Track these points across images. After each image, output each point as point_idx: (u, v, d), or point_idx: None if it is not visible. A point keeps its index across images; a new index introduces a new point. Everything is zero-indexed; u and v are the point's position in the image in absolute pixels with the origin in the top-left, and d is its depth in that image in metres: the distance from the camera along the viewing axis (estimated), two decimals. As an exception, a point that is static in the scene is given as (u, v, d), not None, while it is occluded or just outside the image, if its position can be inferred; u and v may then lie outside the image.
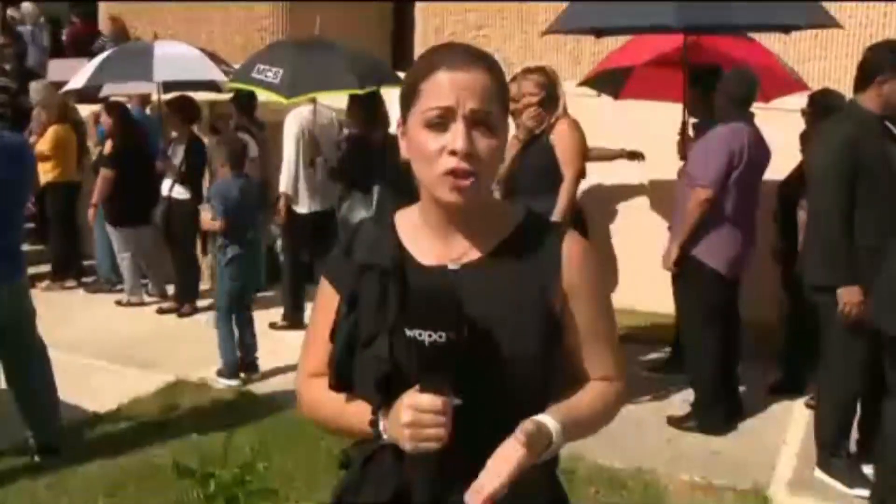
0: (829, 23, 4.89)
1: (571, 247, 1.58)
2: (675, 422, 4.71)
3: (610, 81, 6.08)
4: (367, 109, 5.43)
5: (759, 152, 4.60)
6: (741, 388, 4.95)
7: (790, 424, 4.80)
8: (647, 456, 4.28)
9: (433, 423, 1.40)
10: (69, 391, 4.61)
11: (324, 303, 1.64)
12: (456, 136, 1.46)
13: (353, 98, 5.46)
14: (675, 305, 5.27)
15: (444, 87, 1.47)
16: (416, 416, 1.41)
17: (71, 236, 7.81)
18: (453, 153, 1.46)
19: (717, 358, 4.64)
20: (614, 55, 6.05)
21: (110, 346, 6.00)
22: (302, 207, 6.34)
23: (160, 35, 8.76)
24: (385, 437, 1.49)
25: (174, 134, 6.92)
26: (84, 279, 7.83)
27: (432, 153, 1.48)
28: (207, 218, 5.38)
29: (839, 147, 3.79)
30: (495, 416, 1.47)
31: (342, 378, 1.56)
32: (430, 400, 1.41)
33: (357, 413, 1.54)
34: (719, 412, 4.68)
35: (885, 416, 3.61)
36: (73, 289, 7.64)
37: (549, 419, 1.49)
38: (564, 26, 5.25)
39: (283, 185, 6.29)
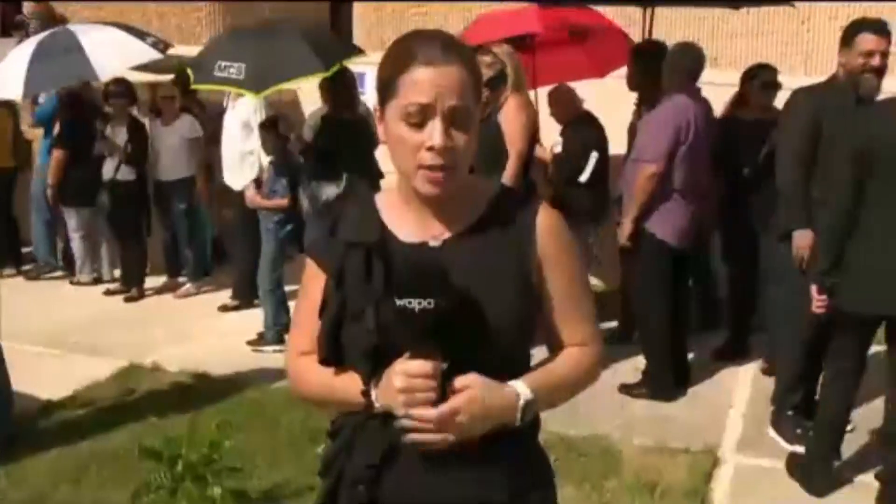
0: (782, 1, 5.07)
1: (544, 218, 1.65)
2: (626, 389, 4.84)
3: None
4: (338, 89, 5.41)
5: (707, 125, 4.73)
6: (689, 355, 5.11)
7: (736, 388, 4.99)
8: (602, 423, 4.41)
9: (425, 387, 1.48)
10: (20, 380, 4.52)
11: (310, 283, 1.69)
12: (434, 132, 1.51)
13: (324, 78, 5.44)
14: (622, 276, 5.43)
15: (422, 84, 1.51)
16: (409, 381, 1.48)
17: (7, 223, 7.62)
18: (431, 148, 1.51)
19: (667, 326, 4.78)
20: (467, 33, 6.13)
21: (58, 333, 5.90)
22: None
23: (92, 19, 8.53)
24: (377, 405, 1.55)
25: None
26: (23, 267, 7.65)
27: (410, 147, 1.53)
28: (251, 195, 5.74)
29: (804, 112, 4.05)
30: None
31: (331, 352, 1.62)
32: (421, 365, 1.48)
33: (347, 385, 1.60)
34: (669, 379, 4.83)
35: (832, 394, 3.81)
36: (13, 277, 7.46)
37: (519, 384, 1.58)
38: None
39: (254, 170, 6.18)
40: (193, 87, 5.84)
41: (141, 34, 6.69)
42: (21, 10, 10.32)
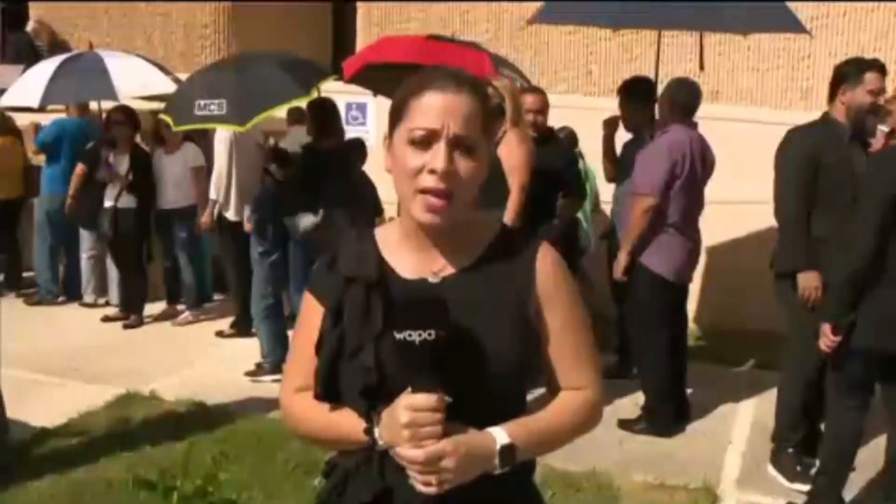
0: (799, 29, 5.10)
1: (545, 259, 1.65)
2: (625, 424, 4.81)
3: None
4: (318, 118, 5.41)
5: (704, 159, 4.74)
6: (688, 390, 5.08)
7: (735, 424, 4.97)
8: (600, 458, 4.35)
9: (430, 421, 1.46)
10: (15, 407, 4.51)
11: (308, 317, 1.68)
12: (437, 155, 1.51)
13: (308, 107, 5.45)
14: (619, 310, 5.41)
15: (431, 109, 1.53)
16: (414, 415, 1.46)
17: (13, 249, 7.67)
18: (433, 171, 1.52)
19: (666, 362, 4.76)
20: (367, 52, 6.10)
21: (55, 360, 5.88)
22: (234, 215, 6.32)
23: (95, 42, 8.65)
24: (381, 443, 1.53)
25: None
26: (23, 291, 7.65)
27: (413, 169, 1.53)
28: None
29: (801, 150, 4.07)
30: (478, 417, 1.53)
31: (328, 389, 1.60)
32: (425, 399, 1.46)
33: (349, 423, 1.58)
34: (668, 414, 4.80)
35: (845, 429, 3.78)
36: (12, 300, 7.44)
37: (497, 430, 1.54)
38: (550, 18, 5.43)
39: (214, 192, 6.33)
40: (176, 130, 5.83)
41: (163, 69, 6.86)
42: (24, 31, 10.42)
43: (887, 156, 3.66)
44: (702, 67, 5.30)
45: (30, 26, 10.31)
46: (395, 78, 5.53)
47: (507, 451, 1.53)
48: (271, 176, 5.71)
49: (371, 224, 5.07)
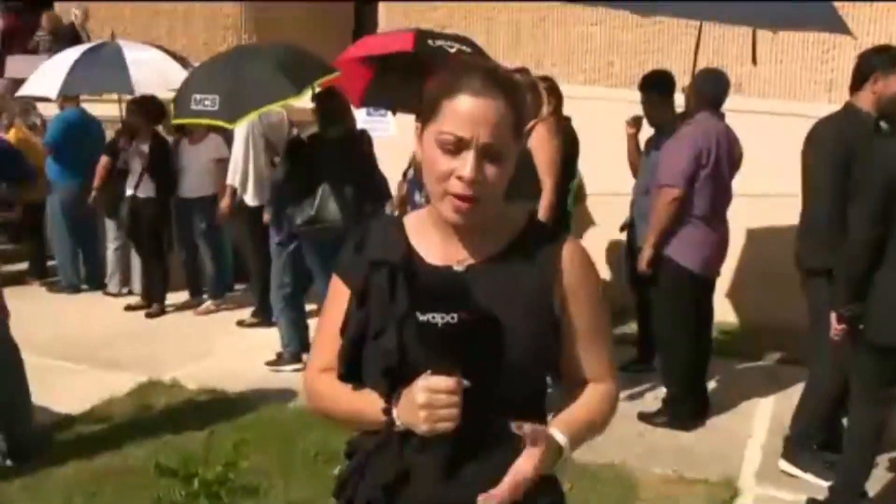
0: (843, 30, 5.00)
1: (571, 252, 1.66)
2: (646, 417, 4.79)
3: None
4: (323, 108, 5.34)
5: (731, 150, 4.67)
6: (709, 384, 5.06)
7: (756, 419, 4.93)
8: (620, 451, 4.34)
9: (447, 403, 1.48)
10: (39, 393, 4.55)
11: (335, 299, 1.71)
12: (466, 163, 1.53)
13: (314, 96, 5.44)
14: (638, 302, 5.39)
15: (462, 116, 1.53)
16: (431, 397, 1.48)
17: (38, 238, 7.75)
18: (460, 178, 1.53)
19: (689, 356, 4.72)
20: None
21: (78, 347, 5.95)
22: (253, 201, 6.37)
23: (117, 33, 8.72)
24: (398, 423, 1.55)
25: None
26: (48, 280, 7.74)
27: (441, 173, 1.55)
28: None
29: (832, 142, 4.00)
30: (496, 404, 1.56)
31: (351, 369, 1.63)
32: (443, 381, 1.48)
33: (368, 403, 1.60)
34: (689, 408, 4.77)
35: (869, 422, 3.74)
36: (36, 287, 7.54)
37: (558, 434, 1.59)
38: None
39: (231, 178, 6.40)
40: (174, 122, 5.90)
41: (183, 62, 6.90)
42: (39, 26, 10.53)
43: (889, 141, 3.62)
44: (754, 62, 5.20)
45: (76, 14, 10.45)
46: (400, 85, 5.44)
47: (566, 459, 1.60)
48: (274, 167, 5.74)
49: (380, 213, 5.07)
